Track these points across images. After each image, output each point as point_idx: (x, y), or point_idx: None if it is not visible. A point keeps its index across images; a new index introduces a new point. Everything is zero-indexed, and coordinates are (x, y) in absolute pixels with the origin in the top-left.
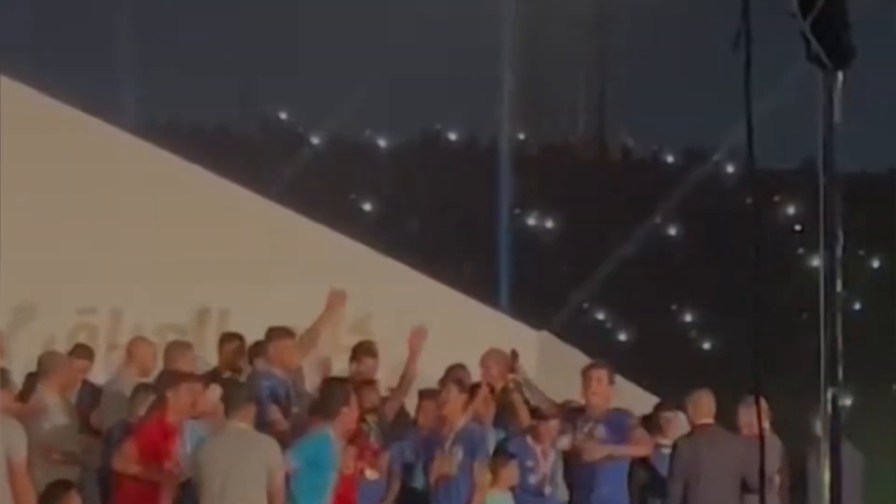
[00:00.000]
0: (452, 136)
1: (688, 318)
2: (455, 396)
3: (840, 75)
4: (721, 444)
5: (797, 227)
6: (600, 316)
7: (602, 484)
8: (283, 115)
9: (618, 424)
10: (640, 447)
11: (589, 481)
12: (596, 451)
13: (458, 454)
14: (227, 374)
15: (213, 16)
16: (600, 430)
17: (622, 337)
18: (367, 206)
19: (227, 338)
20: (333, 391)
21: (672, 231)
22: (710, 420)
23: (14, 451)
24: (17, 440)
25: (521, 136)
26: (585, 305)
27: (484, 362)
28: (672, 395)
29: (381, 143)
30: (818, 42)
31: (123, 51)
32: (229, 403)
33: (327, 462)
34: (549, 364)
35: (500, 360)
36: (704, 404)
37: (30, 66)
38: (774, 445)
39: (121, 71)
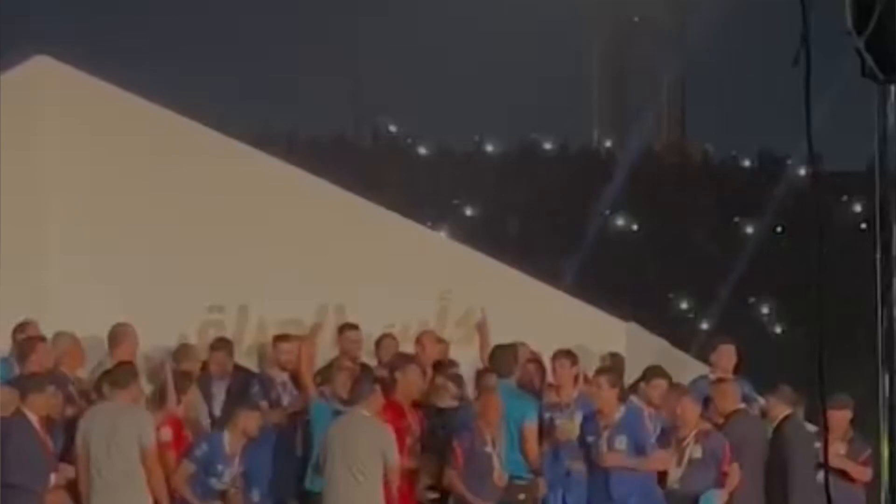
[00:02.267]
0: (547, 146)
1: (764, 309)
2: (568, 370)
3: (893, 88)
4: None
5: (863, 226)
6: (684, 306)
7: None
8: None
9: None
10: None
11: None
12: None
13: (579, 418)
14: (347, 363)
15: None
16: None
17: (704, 325)
18: (469, 211)
19: (346, 328)
20: None
21: (749, 229)
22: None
23: (144, 436)
24: (146, 426)
25: (608, 144)
26: (671, 296)
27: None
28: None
29: (487, 151)
30: (872, 58)
31: (245, 65)
32: (356, 391)
33: None
34: (636, 353)
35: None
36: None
37: (154, 83)
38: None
39: (242, 84)
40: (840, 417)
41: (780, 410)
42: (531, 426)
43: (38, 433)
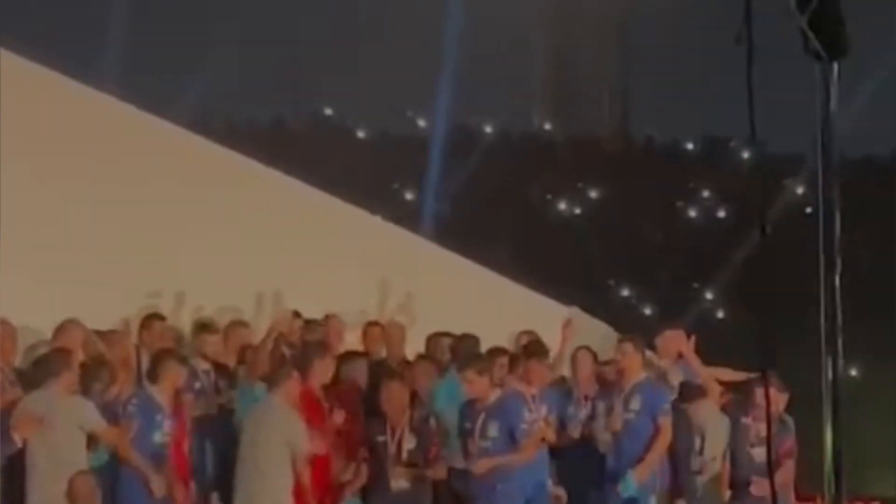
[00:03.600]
0: (488, 129)
1: (708, 294)
2: (632, 353)
3: (836, 67)
4: None
5: (807, 209)
6: (625, 293)
7: None
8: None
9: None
10: None
11: None
12: None
13: (637, 404)
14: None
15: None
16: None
17: (647, 311)
18: (409, 195)
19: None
20: None
21: (692, 213)
22: None
23: (296, 444)
24: (298, 433)
25: (548, 128)
26: (611, 283)
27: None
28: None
29: (421, 134)
30: (815, 36)
31: (181, 50)
32: (271, 377)
33: None
34: (579, 337)
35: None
36: None
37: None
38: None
39: (179, 66)
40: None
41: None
42: None
43: None
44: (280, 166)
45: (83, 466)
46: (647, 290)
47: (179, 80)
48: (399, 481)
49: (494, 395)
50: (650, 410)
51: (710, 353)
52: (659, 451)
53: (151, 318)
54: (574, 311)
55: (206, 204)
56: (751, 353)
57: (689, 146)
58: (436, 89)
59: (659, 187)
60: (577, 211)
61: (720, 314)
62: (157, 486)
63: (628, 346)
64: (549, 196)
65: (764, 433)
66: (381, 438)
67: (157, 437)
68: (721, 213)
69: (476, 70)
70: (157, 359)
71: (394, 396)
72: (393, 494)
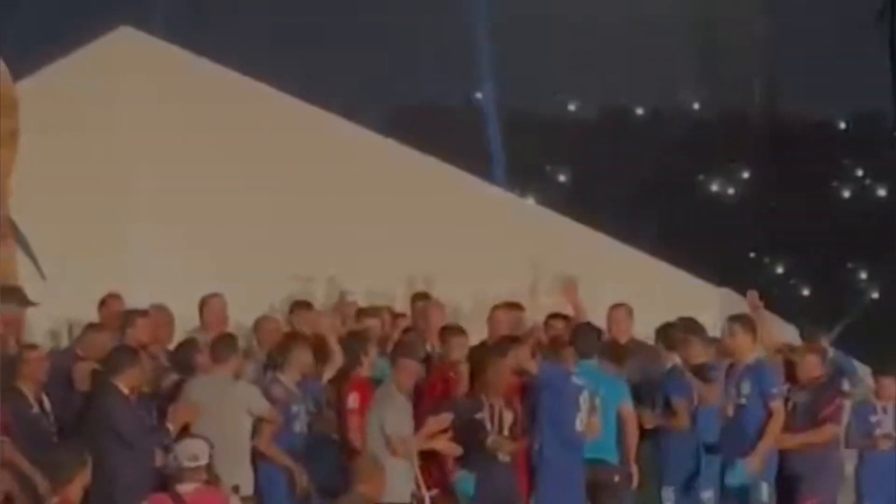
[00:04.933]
0: (639, 111)
1: (862, 274)
2: (741, 334)
3: None
4: None
5: None
6: (779, 271)
7: None
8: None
9: None
10: None
11: None
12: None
13: (747, 387)
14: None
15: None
16: None
17: (804, 291)
18: (562, 178)
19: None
20: None
21: (846, 193)
22: None
23: (393, 428)
24: (401, 417)
25: (697, 107)
26: (766, 261)
27: None
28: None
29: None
30: None
31: (333, 34)
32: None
33: None
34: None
35: None
36: None
37: (239, 53)
38: None
39: (333, 54)
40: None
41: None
42: (628, 409)
43: (131, 405)
44: (432, 151)
45: (247, 452)
46: (800, 270)
47: (333, 68)
48: (503, 454)
49: None
50: (761, 394)
51: (863, 334)
52: (771, 438)
53: (301, 305)
54: (725, 293)
55: (358, 189)
56: None
57: (842, 124)
58: (584, 71)
59: (812, 166)
60: (730, 191)
61: (874, 294)
62: (300, 478)
63: (736, 326)
64: (700, 176)
65: None
66: (481, 415)
67: (296, 427)
68: (877, 192)
69: (625, 51)
70: (285, 346)
71: (498, 373)
72: (500, 465)
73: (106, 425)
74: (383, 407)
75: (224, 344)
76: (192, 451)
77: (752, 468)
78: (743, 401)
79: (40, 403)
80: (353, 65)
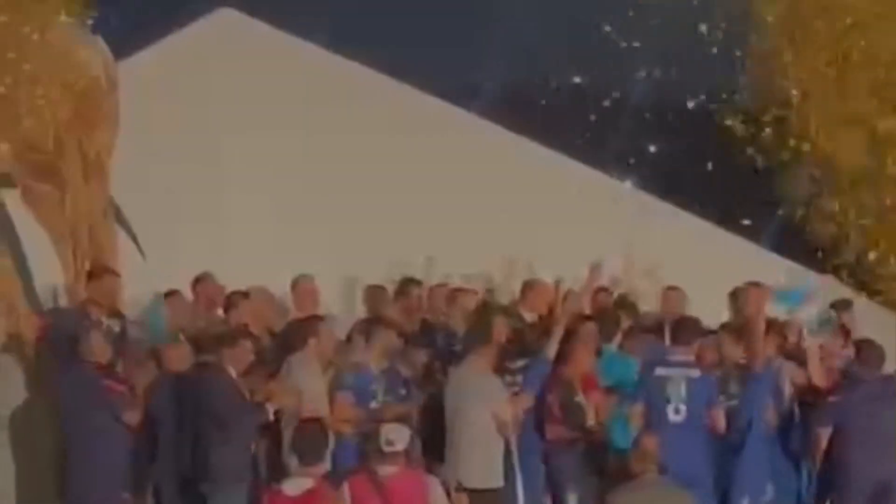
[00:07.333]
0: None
1: None
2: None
3: None
4: None
5: None
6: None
7: None
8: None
9: None
10: None
11: None
12: None
13: None
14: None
15: None
16: None
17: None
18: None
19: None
20: None
21: None
22: None
23: (498, 405)
24: (499, 395)
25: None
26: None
27: None
28: None
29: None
30: None
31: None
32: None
33: None
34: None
35: None
36: None
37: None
38: None
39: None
40: None
41: None
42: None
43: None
44: (530, 135)
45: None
46: None
47: (441, 53)
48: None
49: None
50: None
51: None
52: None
53: (408, 284)
54: (826, 279)
55: (458, 172)
56: None
57: None
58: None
59: None
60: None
61: None
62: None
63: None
64: None
65: None
66: (578, 398)
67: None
68: None
69: (717, 35)
70: (367, 327)
71: (582, 359)
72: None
73: (207, 406)
74: None
75: (307, 326)
76: (388, 436)
77: None
78: None
79: None
80: (453, 42)
